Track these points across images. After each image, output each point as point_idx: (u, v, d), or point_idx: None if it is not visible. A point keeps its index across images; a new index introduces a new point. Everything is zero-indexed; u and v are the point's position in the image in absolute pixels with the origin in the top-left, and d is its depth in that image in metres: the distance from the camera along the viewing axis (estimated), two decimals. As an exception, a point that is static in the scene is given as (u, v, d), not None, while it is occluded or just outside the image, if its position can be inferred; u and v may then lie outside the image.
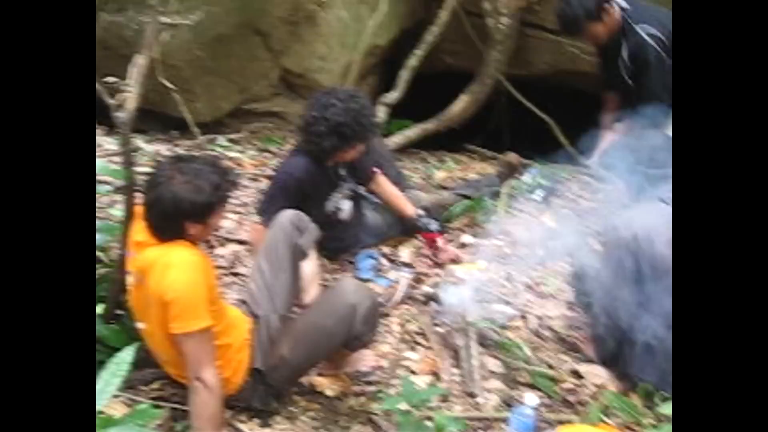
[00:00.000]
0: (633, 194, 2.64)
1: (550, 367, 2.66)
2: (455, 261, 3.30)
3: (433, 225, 3.32)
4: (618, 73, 3.69)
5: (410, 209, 3.33)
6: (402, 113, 4.95)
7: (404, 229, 3.50)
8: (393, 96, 4.48)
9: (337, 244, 3.29)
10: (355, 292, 2.19)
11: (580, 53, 4.44)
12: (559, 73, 4.74)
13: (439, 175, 4.41)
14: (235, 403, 2.23)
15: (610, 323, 2.51)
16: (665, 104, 3.31)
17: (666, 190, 2.43)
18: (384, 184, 3.36)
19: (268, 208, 2.83)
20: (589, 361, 2.70)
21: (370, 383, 2.51)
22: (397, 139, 4.59)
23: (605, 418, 2.35)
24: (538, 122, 4.91)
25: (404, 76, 4.46)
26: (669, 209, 2.36)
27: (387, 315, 2.91)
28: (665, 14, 3.49)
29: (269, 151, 4.58)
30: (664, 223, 2.30)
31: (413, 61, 4.42)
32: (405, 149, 4.84)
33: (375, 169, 3.34)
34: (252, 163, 4.33)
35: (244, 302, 2.38)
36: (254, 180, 4.04)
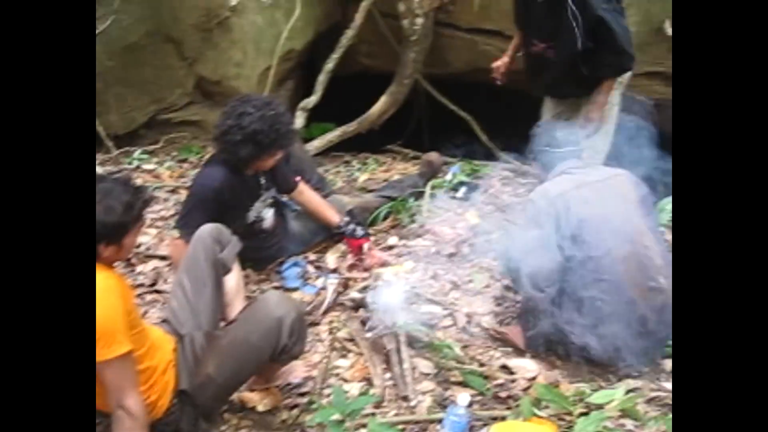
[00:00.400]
0: (546, 173, 2.85)
1: (481, 364, 2.68)
2: (382, 265, 3.30)
3: (359, 231, 3.30)
4: (568, 31, 3.30)
5: (335, 217, 3.31)
6: (323, 115, 4.93)
7: (329, 234, 3.48)
8: (311, 101, 4.46)
9: (262, 254, 3.24)
10: (279, 304, 2.15)
11: (495, 50, 4.50)
12: (475, 71, 4.79)
13: (362, 177, 4.40)
14: (164, 428, 2.15)
15: (538, 294, 2.58)
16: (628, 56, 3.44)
17: (570, 164, 2.76)
18: (306, 193, 3.32)
19: (187, 222, 2.76)
20: (519, 354, 2.74)
21: (302, 395, 2.47)
22: (318, 143, 4.57)
23: (537, 411, 2.37)
24: (458, 120, 4.98)
25: (322, 80, 4.44)
26: (576, 176, 2.67)
27: (316, 323, 2.88)
28: None
29: (188, 162, 4.49)
30: (575, 186, 2.64)
31: (330, 65, 4.40)
32: (327, 152, 4.82)
33: (297, 179, 3.31)
34: (170, 174, 4.23)
35: (166, 321, 2.31)
36: (173, 192, 3.95)
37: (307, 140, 4.74)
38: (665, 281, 2.51)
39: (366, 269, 3.26)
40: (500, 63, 3.83)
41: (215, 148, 2.99)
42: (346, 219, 3.32)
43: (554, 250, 2.54)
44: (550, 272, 2.55)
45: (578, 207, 2.56)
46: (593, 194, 2.62)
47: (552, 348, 2.69)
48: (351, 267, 3.27)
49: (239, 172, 2.93)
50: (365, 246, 3.27)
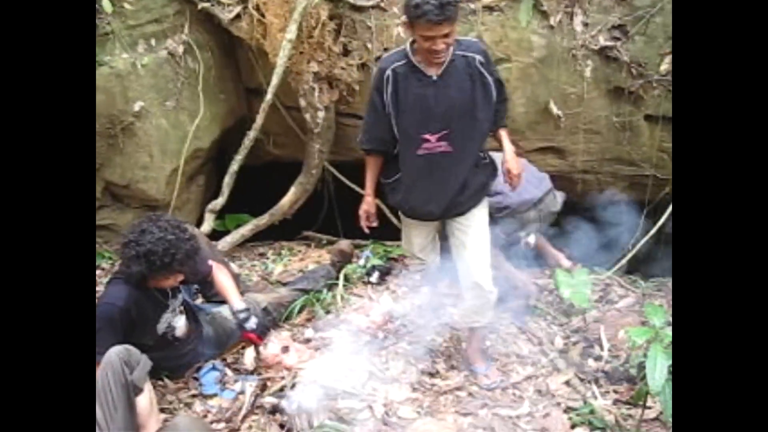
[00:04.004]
0: None
1: (399, 455, 2.75)
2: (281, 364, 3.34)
3: (251, 322, 3.32)
4: (483, 100, 2.95)
5: (234, 302, 3.34)
6: (237, 206, 5.00)
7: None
8: (218, 203, 4.54)
9: (177, 363, 3.25)
10: (188, 429, 2.19)
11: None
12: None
13: (277, 269, 4.46)
14: None
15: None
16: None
17: None
18: (217, 276, 3.40)
19: (96, 344, 2.76)
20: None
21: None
22: (231, 239, 4.63)
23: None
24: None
25: (228, 182, 4.55)
26: None
27: (236, 430, 2.90)
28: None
29: (101, 268, 4.45)
30: None
31: (235, 167, 4.52)
32: (242, 244, 4.87)
33: (209, 263, 3.36)
34: (83, 283, 4.18)
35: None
36: (86, 303, 3.90)
37: (221, 234, 4.80)
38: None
39: (287, 367, 3.30)
40: (368, 208, 3.30)
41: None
42: (244, 306, 3.34)
43: None
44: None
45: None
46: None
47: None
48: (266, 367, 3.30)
49: (142, 287, 2.96)
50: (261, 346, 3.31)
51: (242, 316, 3.32)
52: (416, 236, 3.35)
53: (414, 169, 3.04)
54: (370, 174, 3.24)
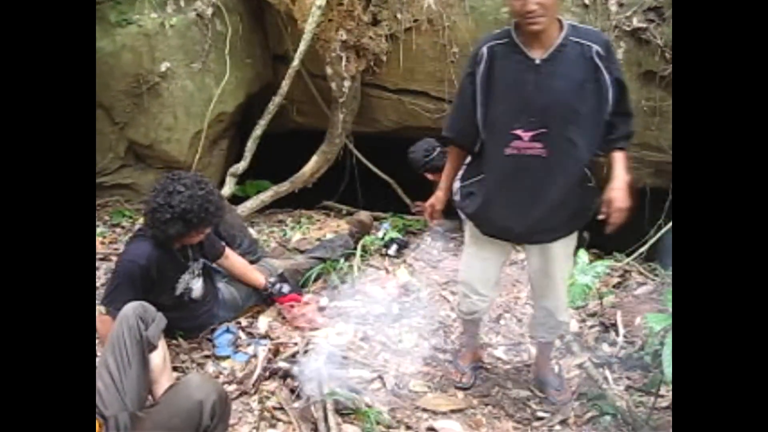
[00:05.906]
0: None
1: (408, 427, 2.75)
2: (312, 324, 3.36)
3: (285, 288, 3.45)
4: (592, 98, 2.42)
5: (261, 280, 3.39)
6: (257, 173, 5.00)
7: (261, 298, 3.53)
8: (240, 167, 4.54)
9: (192, 323, 3.26)
10: (200, 387, 2.19)
11: (420, 110, 4.65)
12: (404, 129, 4.94)
13: (295, 237, 4.46)
14: None
15: None
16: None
17: None
18: (231, 258, 3.40)
19: (114, 299, 2.78)
20: (445, 415, 2.82)
21: (231, 467, 2.49)
22: (251, 204, 4.64)
23: (461, 473, 2.45)
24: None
25: (250, 146, 4.55)
26: None
27: (247, 393, 2.91)
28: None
29: (120, 226, 4.48)
30: None
31: (258, 131, 4.51)
32: (262, 210, 4.88)
33: (222, 244, 3.37)
34: (102, 240, 4.21)
35: (91, 402, 2.32)
36: (105, 260, 3.93)
37: (241, 199, 4.80)
38: None
39: (298, 328, 3.33)
40: (435, 202, 2.82)
41: (144, 222, 3.02)
42: (272, 279, 3.44)
43: None
44: None
45: None
46: None
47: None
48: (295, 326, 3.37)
49: (166, 247, 2.97)
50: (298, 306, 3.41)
51: (276, 287, 3.46)
52: (481, 258, 2.80)
53: (498, 173, 2.55)
54: (449, 166, 2.78)
